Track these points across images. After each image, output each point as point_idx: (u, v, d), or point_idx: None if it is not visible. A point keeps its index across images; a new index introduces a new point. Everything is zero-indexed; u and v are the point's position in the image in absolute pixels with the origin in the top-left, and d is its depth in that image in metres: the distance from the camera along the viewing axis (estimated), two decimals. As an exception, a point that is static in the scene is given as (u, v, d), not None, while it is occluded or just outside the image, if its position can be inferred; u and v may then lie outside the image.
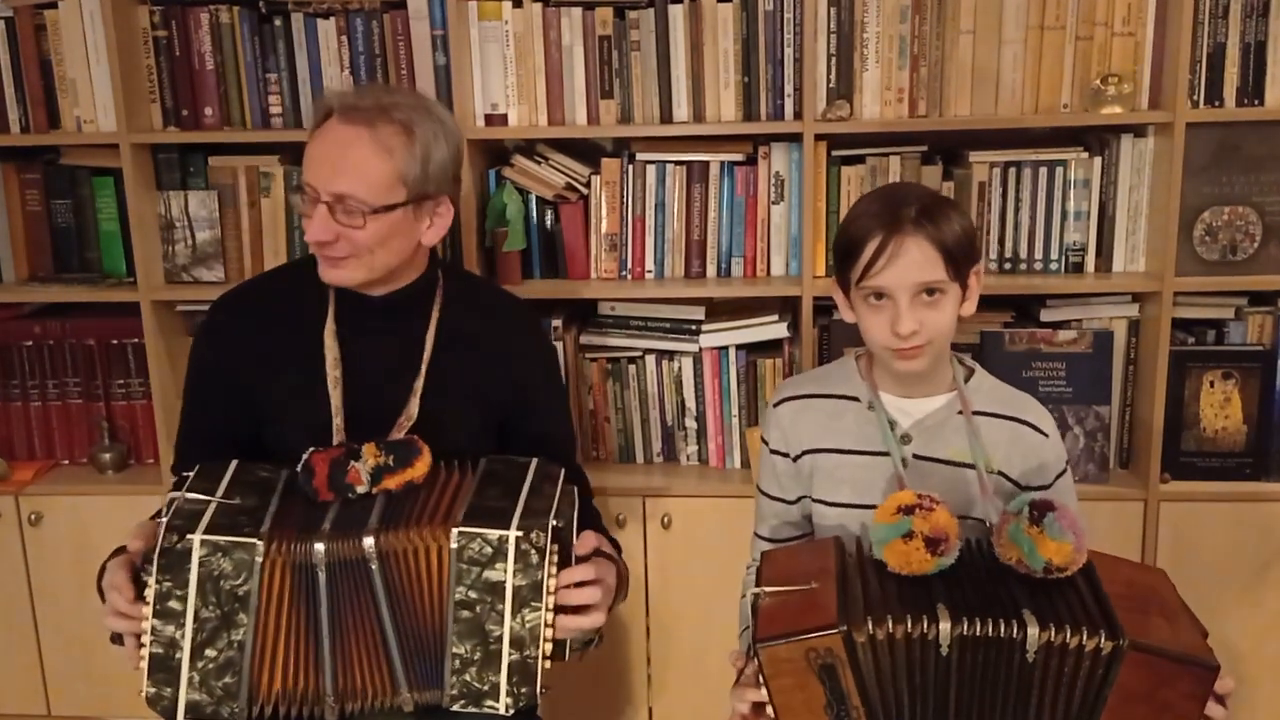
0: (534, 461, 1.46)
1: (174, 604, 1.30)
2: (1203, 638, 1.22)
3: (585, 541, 1.40)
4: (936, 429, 1.50)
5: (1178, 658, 1.17)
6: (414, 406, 1.54)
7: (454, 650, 1.33)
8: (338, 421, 1.53)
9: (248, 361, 1.59)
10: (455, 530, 1.31)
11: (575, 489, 1.45)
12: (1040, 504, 1.27)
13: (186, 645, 1.30)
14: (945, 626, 1.20)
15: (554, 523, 1.33)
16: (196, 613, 1.30)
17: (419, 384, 1.56)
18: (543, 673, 1.33)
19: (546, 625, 1.32)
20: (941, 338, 1.43)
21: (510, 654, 1.32)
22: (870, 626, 1.19)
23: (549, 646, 1.33)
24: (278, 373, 1.58)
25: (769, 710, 1.23)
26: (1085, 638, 1.18)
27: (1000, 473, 1.50)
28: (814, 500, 1.55)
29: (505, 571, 1.31)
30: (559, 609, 1.35)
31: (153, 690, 1.31)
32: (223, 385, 1.61)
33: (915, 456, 1.49)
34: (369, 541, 1.32)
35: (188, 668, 1.31)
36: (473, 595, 1.32)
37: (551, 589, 1.32)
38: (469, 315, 1.64)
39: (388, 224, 1.49)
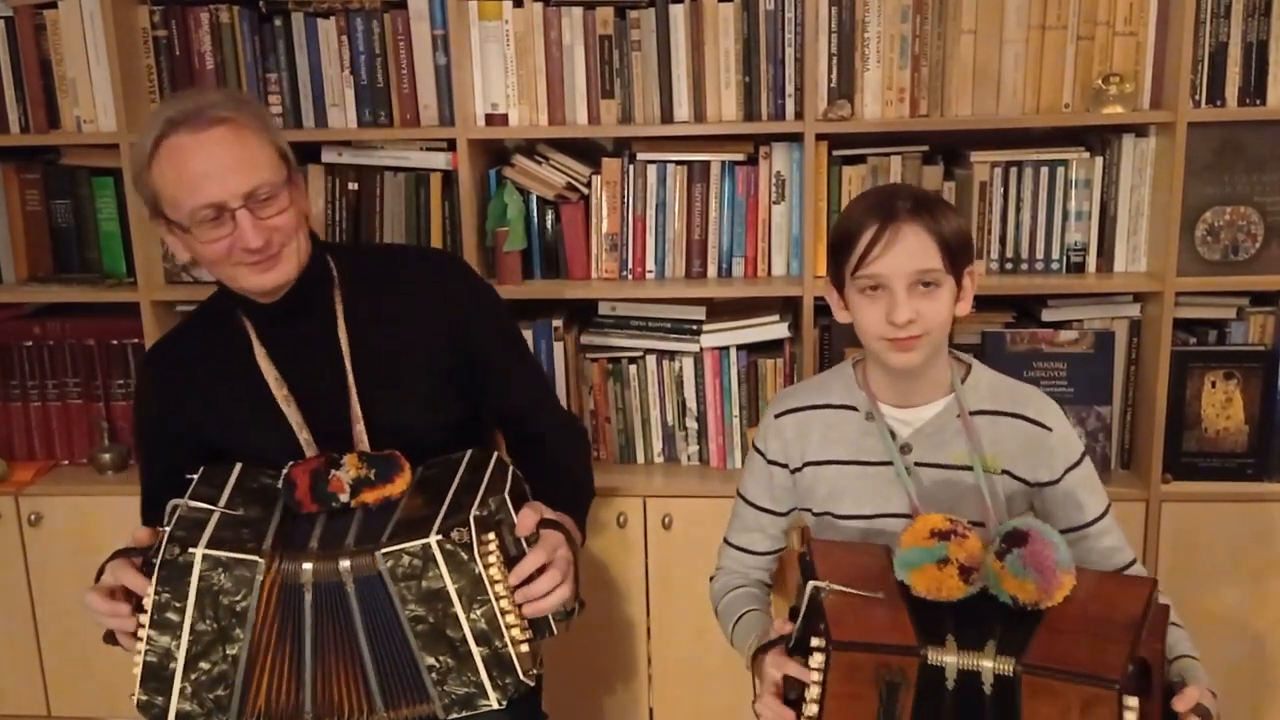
0: (468, 454, 1.46)
1: (171, 615, 1.30)
2: (1138, 656, 1.16)
3: (524, 522, 1.38)
4: (936, 435, 1.48)
5: (1071, 676, 1.13)
6: (356, 408, 1.53)
7: (426, 663, 1.33)
8: (304, 436, 1.52)
9: (195, 411, 1.58)
10: (379, 553, 1.31)
11: (510, 466, 1.43)
12: (1014, 535, 1.24)
13: (181, 656, 1.30)
14: (951, 660, 1.19)
15: (476, 513, 1.32)
16: (193, 625, 1.30)
17: (350, 380, 1.53)
18: (523, 657, 1.33)
19: (503, 613, 1.32)
20: (937, 330, 1.41)
21: (480, 650, 1.32)
22: (932, 653, 1.18)
23: (516, 631, 1.33)
24: (229, 413, 1.57)
25: (812, 708, 1.21)
26: (1005, 666, 1.16)
27: (1007, 471, 1.47)
28: (815, 514, 1.54)
29: (441, 577, 1.31)
30: (521, 595, 1.34)
31: (144, 698, 1.32)
32: (177, 438, 1.60)
33: (917, 464, 1.48)
34: (345, 564, 1.32)
35: (180, 678, 1.31)
36: (421, 609, 1.32)
37: (496, 577, 1.32)
38: (374, 287, 1.59)
39: (294, 199, 1.48)
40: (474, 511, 1.33)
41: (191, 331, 1.68)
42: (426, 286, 1.61)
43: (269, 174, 1.44)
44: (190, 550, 1.29)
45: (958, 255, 1.40)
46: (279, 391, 1.53)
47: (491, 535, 1.33)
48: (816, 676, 1.20)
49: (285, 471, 1.40)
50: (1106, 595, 1.25)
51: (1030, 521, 1.28)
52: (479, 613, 1.32)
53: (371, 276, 1.61)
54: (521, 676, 1.34)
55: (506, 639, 1.32)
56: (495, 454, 1.46)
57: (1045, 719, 1.15)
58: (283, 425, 1.53)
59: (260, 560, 1.30)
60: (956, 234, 1.40)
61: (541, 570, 1.36)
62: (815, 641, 1.20)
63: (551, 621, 1.39)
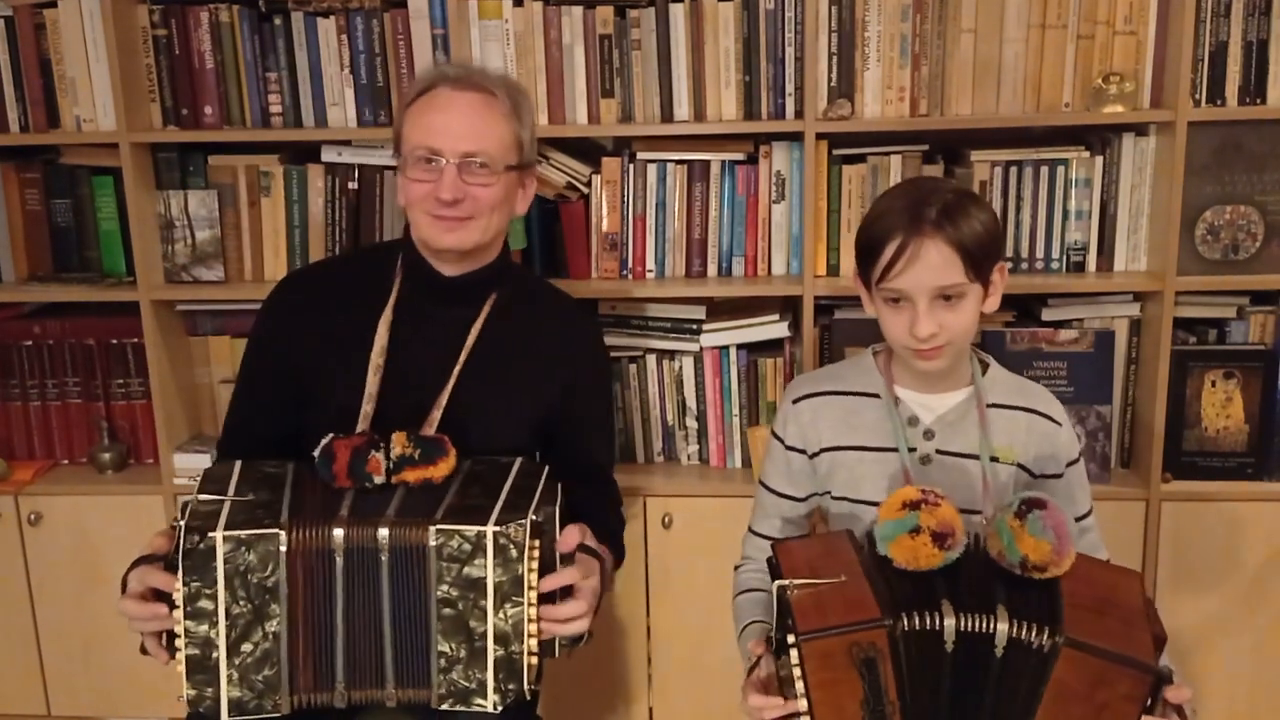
0: (518, 461, 1.47)
1: (204, 603, 1.30)
2: (1155, 643, 1.21)
3: (568, 538, 1.40)
4: (958, 423, 1.50)
5: (1115, 658, 1.17)
6: (443, 397, 1.56)
7: (439, 648, 1.33)
8: (367, 409, 1.55)
9: (300, 341, 1.61)
10: (433, 528, 1.32)
11: (559, 484, 1.45)
12: (1032, 500, 1.27)
13: (222, 643, 1.31)
14: (950, 623, 1.21)
15: (533, 517, 1.33)
16: (228, 609, 1.30)
17: (454, 372, 1.58)
18: (531, 669, 1.33)
19: (530, 620, 1.33)
20: (961, 338, 1.43)
21: (495, 650, 1.33)
22: (906, 621, 1.20)
23: (533, 643, 1.33)
24: (326, 355, 1.60)
25: (801, 704, 1.22)
26: (1034, 633, 1.19)
27: (1020, 464, 1.51)
28: (835, 498, 1.55)
29: (485, 567, 1.32)
30: (543, 613, 1.35)
31: (193, 693, 1.31)
32: (274, 363, 1.63)
33: (939, 452, 1.50)
34: (384, 532, 1.33)
35: (225, 665, 1.31)
36: (454, 592, 1.32)
37: (533, 584, 1.33)
38: (524, 311, 1.66)
39: (506, 185, 1.57)
40: (530, 515, 1.33)
41: (339, 269, 1.75)
42: (568, 334, 1.70)
43: (494, 150, 1.54)
44: (210, 535, 1.30)
45: (982, 261, 1.40)
46: (376, 359, 1.57)
47: (538, 543, 1.34)
48: (797, 672, 1.21)
49: (326, 441, 1.40)
50: (1106, 580, 1.29)
51: (1040, 493, 1.30)
52: (508, 613, 1.32)
53: (526, 300, 1.68)
54: (524, 687, 1.34)
55: (524, 647, 1.33)
56: (546, 468, 1.47)
57: (1070, 691, 1.18)
58: (356, 390, 1.56)
59: (280, 532, 1.31)
60: (980, 240, 1.39)
61: (569, 592, 1.38)
62: (790, 639, 1.22)
63: (557, 644, 1.39)
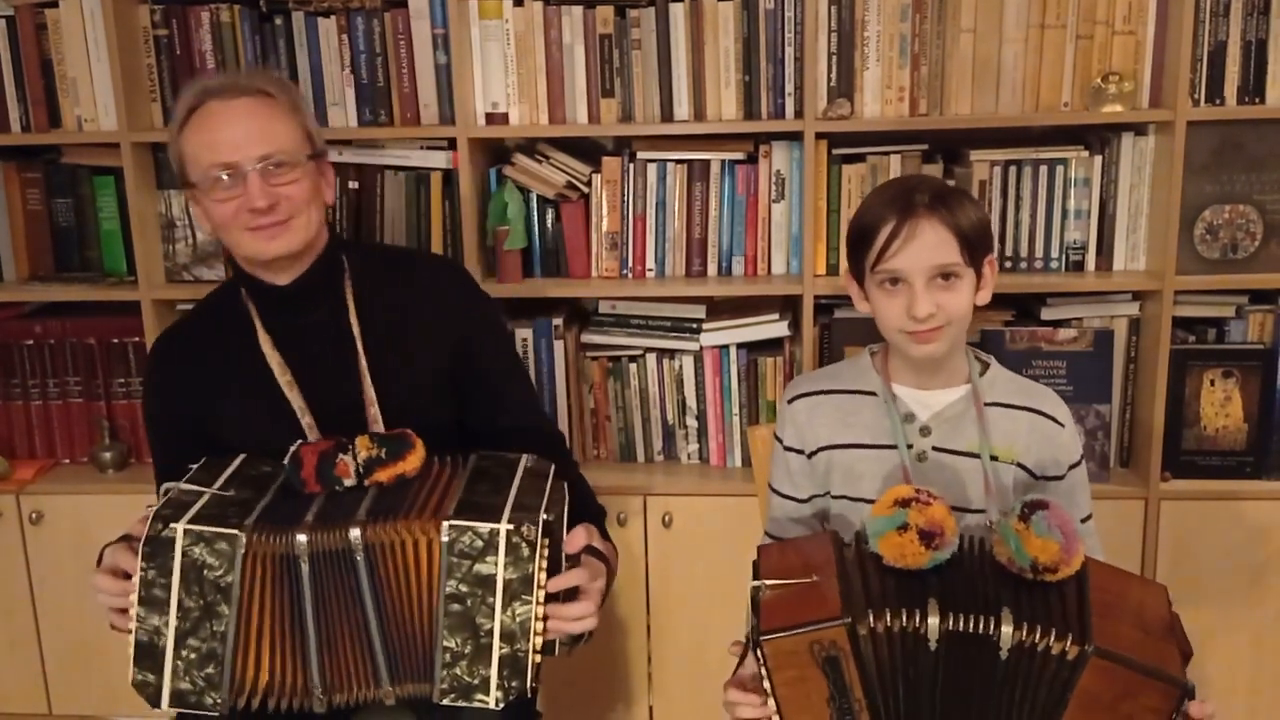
0: (524, 458, 1.47)
1: (158, 592, 1.31)
2: (1182, 658, 1.20)
3: (575, 539, 1.40)
4: (956, 420, 1.50)
5: (1144, 670, 1.16)
6: (370, 391, 1.55)
7: (444, 644, 1.33)
8: (307, 420, 1.54)
9: (199, 399, 1.59)
10: (446, 523, 1.32)
11: (565, 484, 1.46)
12: (1034, 502, 1.27)
13: (170, 634, 1.31)
14: (933, 622, 1.20)
15: (545, 517, 1.33)
16: (180, 602, 1.31)
17: (363, 364, 1.56)
18: (534, 666, 1.33)
19: (537, 619, 1.33)
20: (959, 321, 1.43)
21: (501, 647, 1.33)
22: (871, 619, 1.20)
23: (539, 641, 1.33)
24: (232, 400, 1.58)
25: (770, 703, 1.23)
26: (1053, 639, 1.18)
27: (1020, 464, 1.50)
28: (834, 497, 1.55)
29: (496, 565, 1.32)
30: (550, 612, 1.35)
31: (139, 677, 1.32)
32: (184, 428, 1.61)
33: (935, 449, 1.50)
34: (355, 533, 1.32)
35: (171, 656, 1.31)
36: (463, 589, 1.32)
37: (542, 583, 1.33)
38: (385, 284, 1.63)
39: (311, 175, 1.54)
40: (542, 514, 1.33)
41: (196, 321, 1.71)
42: (435, 292, 1.65)
43: (288, 145, 1.51)
44: (172, 525, 1.30)
45: (976, 247, 1.42)
46: (282, 377, 1.56)
47: (547, 542, 1.34)
48: (763, 671, 1.22)
49: (294, 449, 1.40)
50: (1135, 594, 1.28)
51: (1042, 495, 1.30)
52: (516, 611, 1.32)
53: (382, 273, 1.65)
54: (527, 684, 1.34)
55: (529, 645, 1.33)
56: (553, 466, 1.47)
57: (1097, 701, 1.17)
58: (285, 410, 1.55)
59: (240, 534, 1.30)
60: (974, 226, 1.42)
61: (574, 592, 1.38)
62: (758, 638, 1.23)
63: (559, 642, 1.40)
